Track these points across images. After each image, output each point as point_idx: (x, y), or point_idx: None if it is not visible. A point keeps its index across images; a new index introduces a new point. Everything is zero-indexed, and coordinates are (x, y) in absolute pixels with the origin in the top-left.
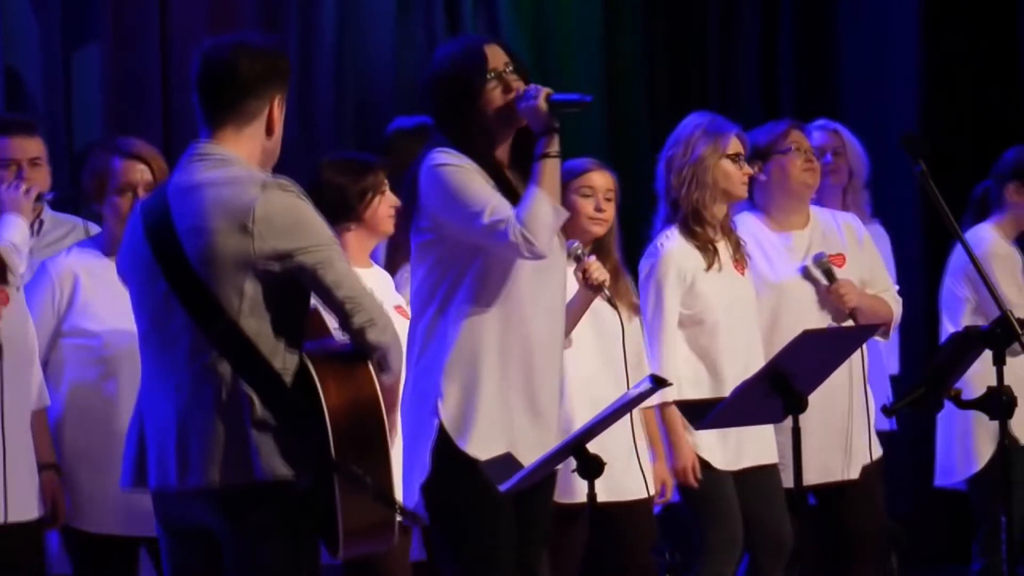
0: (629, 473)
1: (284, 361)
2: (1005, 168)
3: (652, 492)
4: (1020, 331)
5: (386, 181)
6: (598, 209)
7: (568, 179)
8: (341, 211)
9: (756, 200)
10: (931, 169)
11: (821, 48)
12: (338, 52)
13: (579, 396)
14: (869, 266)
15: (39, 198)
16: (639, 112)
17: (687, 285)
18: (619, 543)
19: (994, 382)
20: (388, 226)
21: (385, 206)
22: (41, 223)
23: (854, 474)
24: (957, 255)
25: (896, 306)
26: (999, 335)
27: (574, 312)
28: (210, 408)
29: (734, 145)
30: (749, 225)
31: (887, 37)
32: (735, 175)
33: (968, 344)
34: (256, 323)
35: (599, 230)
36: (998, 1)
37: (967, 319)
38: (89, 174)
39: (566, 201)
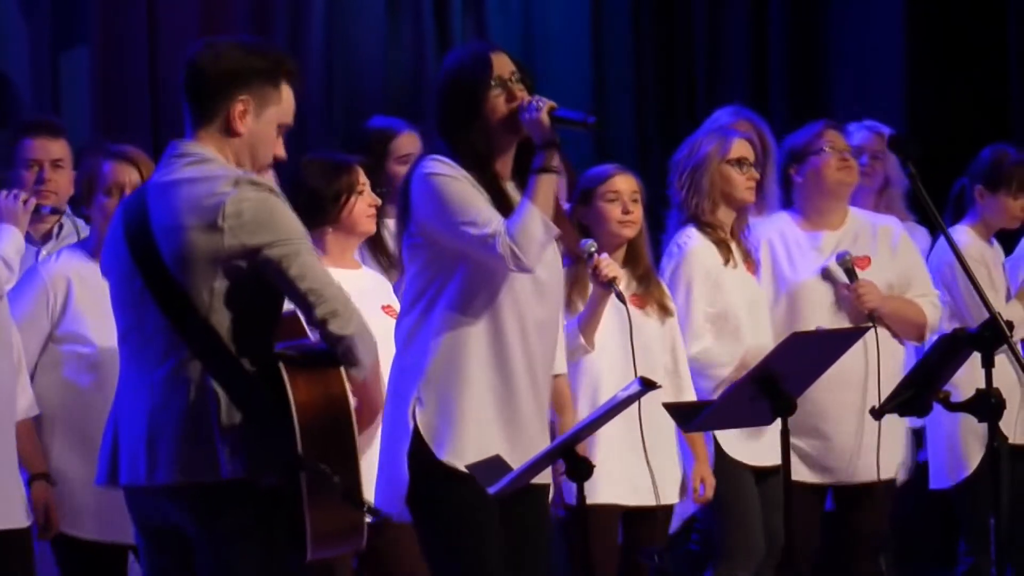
0: (639, 477)
1: (253, 359)
2: (977, 169)
3: (662, 500)
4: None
5: (365, 181)
6: (625, 212)
7: (593, 186)
8: (317, 213)
9: (794, 201)
10: (919, 167)
11: (810, 51)
12: (327, 54)
13: (585, 392)
14: (904, 270)
15: (37, 209)
16: (626, 116)
17: (712, 281)
18: (625, 547)
19: (982, 384)
20: (368, 225)
21: (362, 205)
22: (61, 227)
23: (886, 474)
24: (934, 257)
25: (933, 311)
26: (987, 338)
27: (593, 313)
28: (180, 406)
29: (738, 149)
30: (779, 224)
31: (875, 38)
32: (737, 180)
33: (956, 347)
34: (225, 320)
35: (629, 232)
36: None
37: (946, 323)
38: (80, 178)
39: (593, 208)
